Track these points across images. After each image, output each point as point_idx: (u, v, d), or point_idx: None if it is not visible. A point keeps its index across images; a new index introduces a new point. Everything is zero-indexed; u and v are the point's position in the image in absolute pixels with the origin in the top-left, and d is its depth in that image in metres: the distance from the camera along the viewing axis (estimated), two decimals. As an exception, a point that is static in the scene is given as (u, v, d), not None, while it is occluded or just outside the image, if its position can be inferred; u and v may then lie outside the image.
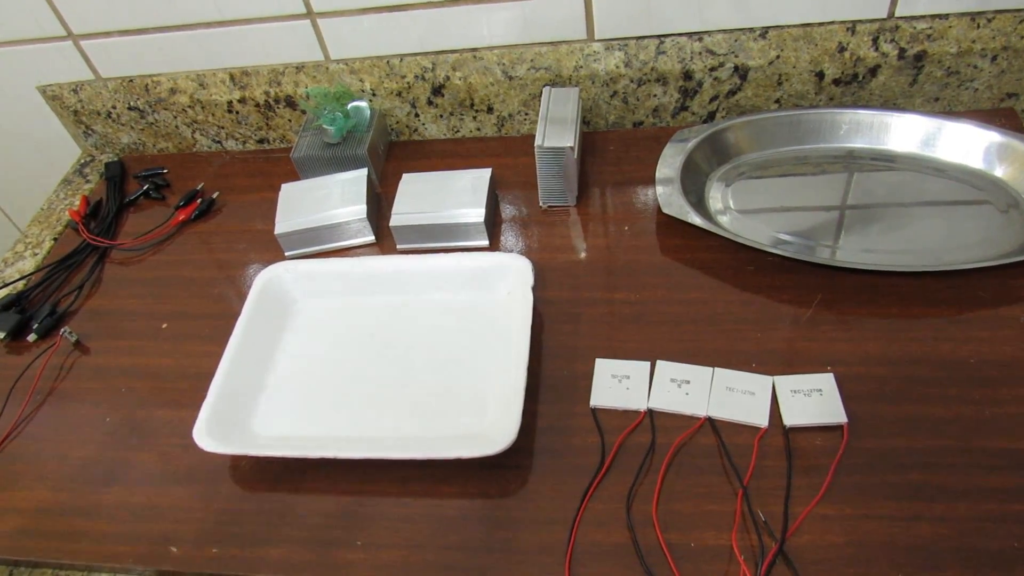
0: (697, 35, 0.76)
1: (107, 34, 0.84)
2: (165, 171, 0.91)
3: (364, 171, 0.79)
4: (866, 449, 0.54)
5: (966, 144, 0.72)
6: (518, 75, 0.81)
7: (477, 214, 0.72)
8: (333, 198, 0.77)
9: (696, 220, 0.68)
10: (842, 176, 0.73)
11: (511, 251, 0.73)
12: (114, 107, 0.91)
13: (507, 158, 0.84)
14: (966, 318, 0.61)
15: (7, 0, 0.81)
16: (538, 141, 0.72)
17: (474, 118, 0.86)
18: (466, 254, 0.69)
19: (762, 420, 0.56)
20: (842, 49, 0.75)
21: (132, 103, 0.90)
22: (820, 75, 0.77)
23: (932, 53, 0.74)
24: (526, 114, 0.85)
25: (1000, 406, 0.55)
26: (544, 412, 0.60)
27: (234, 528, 0.57)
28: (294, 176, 0.84)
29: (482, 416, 0.60)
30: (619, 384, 0.60)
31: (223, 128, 0.91)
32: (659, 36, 0.76)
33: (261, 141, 0.93)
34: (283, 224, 0.76)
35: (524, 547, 0.53)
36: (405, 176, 0.78)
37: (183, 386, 0.67)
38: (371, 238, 0.77)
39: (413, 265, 0.70)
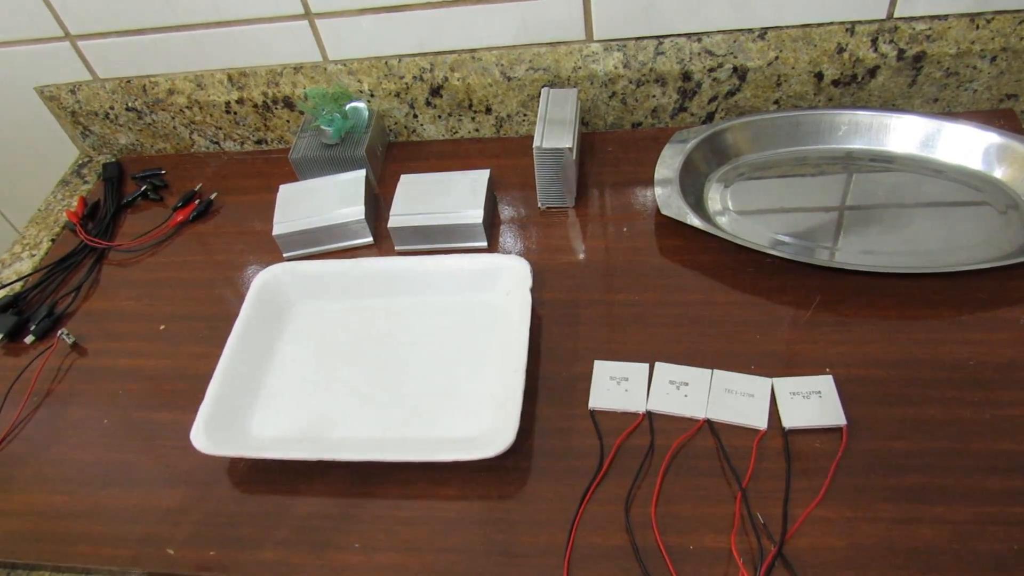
0: (696, 36, 0.76)
1: (105, 35, 0.84)
2: (163, 172, 0.90)
3: (362, 172, 0.79)
4: (865, 451, 0.54)
5: (965, 145, 0.72)
6: (516, 76, 0.81)
7: (475, 215, 0.72)
8: (331, 199, 0.77)
9: (695, 221, 0.67)
10: (841, 177, 0.73)
11: (509, 252, 0.73)
12: (112, 108, 0.90)
13: (505, 159, 0.84)
14: (965, 320, 0.61)
15: (4, 1, 0.81)
16: (536, 142, 0.72)
17: (472, 119, 0.86)
18: (464, 255, 0.69)
19: (761, 422, 0.56)
20: (841, 50, 0.75)
21: (130, 104, 0.90)
22: (819, 76, 0.77)
23: (931, 54, 0.74)
24: (525, 115, 0.85)
25: (999, 408, 0.55)
26: (543, 414, 0.60)
27: (231, 530, 0.57)
28: (292, 177, 0.84)
29: (480, 418, 0.59)
30: (618, 386, 0.60)
31: (221, 129, 0.91)
32: (658, 37, 0.76)
33: (259, 142, 0.93)
34: (281, 225, 0.76)
35: (523, 549, 0.52)
36: (403, 177, 0.78)
37: (180, 388, 0.67)
38: (369, 239, 0.77)
39: (411, 266, 0.70)
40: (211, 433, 0.59)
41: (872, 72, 0.76)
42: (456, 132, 0.88)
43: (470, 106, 0.84)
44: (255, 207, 0.84)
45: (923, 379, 0.57)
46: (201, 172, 0.91)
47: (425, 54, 0.81)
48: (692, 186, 0.73)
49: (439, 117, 0.86)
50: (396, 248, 0.76)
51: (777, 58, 0.76)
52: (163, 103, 0.89)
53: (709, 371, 0.60)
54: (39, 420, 0.67)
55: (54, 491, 0.61)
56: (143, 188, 0.88)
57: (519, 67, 0.80)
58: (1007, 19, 0.71)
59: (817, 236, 0.68)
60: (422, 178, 0.78)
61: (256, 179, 0.89)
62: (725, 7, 0.73)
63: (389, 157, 0.88)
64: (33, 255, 0.85)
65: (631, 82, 0.80)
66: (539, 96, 0.80)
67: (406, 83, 0.83)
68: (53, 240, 0.87)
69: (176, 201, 0.86)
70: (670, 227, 0.72)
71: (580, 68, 0.79)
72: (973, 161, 0.72)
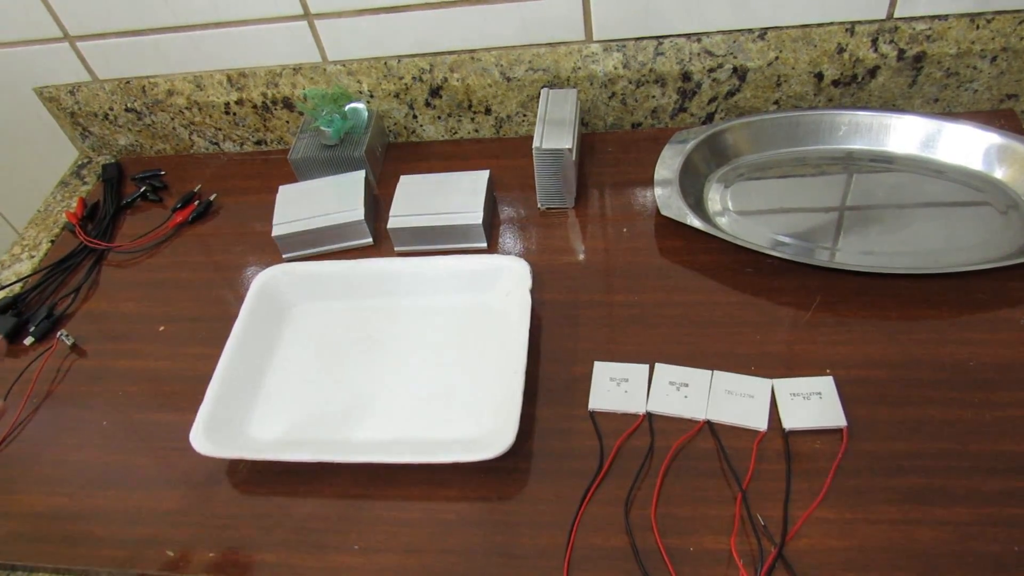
0: (696, 36, 0.76)
1: (104, 35, 0.84)
2: (162, 173, 0.90)
3: (362, 173, 0.79)
4: (866, 452, 0.54)
5: (965, 145, 0.72)
6: (516, 76, 0.81)
7: (475, 216, 0.72)
8: (331, 200, 0.77)
9: (695, 222, 0.67)
10: (841, 177, 0.73)
11: (509, 253, 0.73)
12: (111, 109, 0.90)
13: (505, 159, 0.84)
14: (965, 320, 0.61)
15: (4, 1, 0.81)
16: (536, 143, 0.72)
17: (472, 119, 0.86)
18: (464, 256, 0.69)
19: (761, 423, 0.56)
20: (841, 50, 0.75)
21: (129, 105, 0.90)
22: (819, 76, 0.77)
23: (931, 54, 0.74)
24: (524, 115, 0.85)
25: (1000, 409, 0.55)
26: (542, 415, 0.60)
27: (231, 532, 0.57)
28: (292, 178, 0.84)
29: (480, 419, 0.59)
30: (618, 387, 0.60)
31: (220, 130, 0.91)
32: (657, 37, 0.76)
33: (259, 143, 0.93)
34: (281, 226, 0.76)
35: (523, 551, 0.52)
36: (403, 178, 0.78)
37: (180, 389, 0.67)
38: (369, 240, 0.77)
39: (411, 267, 0.70)
40: (211, 434, 0.59)
41: (872, 72, 0.76)
42: (456, 133, 0.88)
43: (470, 107, 0.84)
44: (254, 208, 0.84)
45: (923, 380, 0.57)
46: (200, 173, 0.91)
47: (424, 55, 0.81)
48: (692, 187, 0.73)
49: (439, 118, 0.86)
50: (396, 249, 0.76)
51: (777, 58, 0.76)
52: (162, 104, 0.89)
53: (709, 372, 0.60)
54: (39, 421, 0.67)
55: (53, 492, 0.61)
56: (142, 189, 0.88)
57: (519, 67, 0.80)
58: (1007, 19, 0.71)
59: (817, 237, 0.68)
60: (422, 179, 0.77)
61: (255, 180, 0.88)
62: (725, 7, 0.73)
63: (389, 158, 0.88)
64: (32, 256, 0.85)
65: (631, 82, 0.80)
66: (539, 96, 0.80)
67: (405, 84, 0.83)
68: (52, 241, 0.86)
69: (175, 202, 0.86)
70: (670, 228, 0.72)
71: (580, 68, 0.79)
72: (973, 161, 0.71)
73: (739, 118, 0.77)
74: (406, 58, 0.81)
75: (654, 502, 0.53)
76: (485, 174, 0.76)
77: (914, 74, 0.76)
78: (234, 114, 0.89)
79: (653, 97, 0.81)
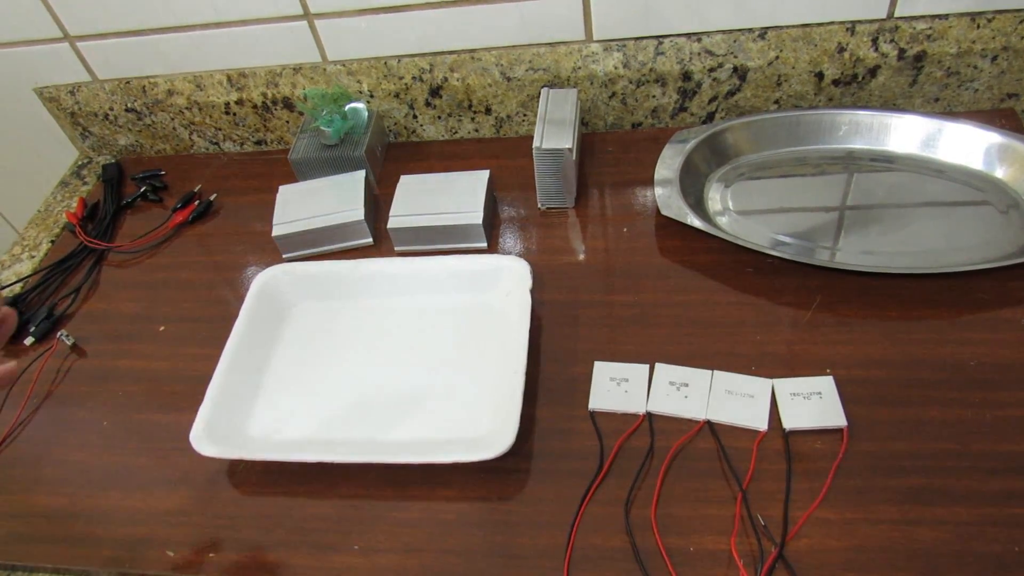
0: (696, 36, 0.75)
1: (104, 35, 0.84)
2: (163, 173, 0.90)
3: (362, 173, 0.79)
4: (866, 452, 0.54)
5: (966, 145, 0.72)
6: (516, 76, 0.81)
7: (475, 216, 0.72)
8: (331, 200, 0.77)
9: (695, 222, 0.67)
10: (841, 177, 0.73)
11: (509, 253, 0.73)
12: (111, 109, 0.90)
13: (505, 159, 0.84)
14: (966, 320, 0.61)
15: (4, 1, 0.81)
16: (536, 142, 0.72)
17: (472, 119, 0.86)
18: (464, 256, 0.69)
19: (761, 423, 0.56)
20: (841, 50, 0.75)
21: (129, 105, 0.90)
22: (819, 76, 0.77)
23: (932, 53, 0.74)
24: (524, 115, 0.85)
25: (1000, 409, 0.55)
26: (542, 415, 0.60)
27: (231, 532, 0.57)
28: (292, 178, 0.84)
29: (480, 419, 0.59)
30: (618, 387, 0.60)
31: (220, 130, 0.91)
32: (658, 37, 0.76)
33: (259, 143, 0.93)
34: (281, 226, 0.76)
35: (523, 551, 0.52)
36: (403, 178, 0.78)
37: (180, 389, 0.67)
38: (369, 240, 0.77)
39: (411, 267, 0.70)
40: (211, 435, 0.59)
41: (873, 72, 0.76)
42: (456, 132, 0.88)
43: (470, 106, 0.84)
44: (255, 208, 0.84)
45: (924, 380, 0.57)
46: (200, 173, 0.91)
47: (424, 54, 0.81)
48: (692, 186, 0.73)
49: (439, 117, 0.86)
50: (396, 249, 0.76)
51: (777, 58, 0.76)
52: (162, 104, 0.89)
53: (709, 372, 0.60)
54: (38, 422, 0.67)
55: (54, 492, 0.61)
56: (143, 189, 0.88)
57: (519, 67, 0.80)
58: (1008, 18, 0.71)
59: (817, 236, 0.68)
60: (422, 179, 0.77)
61: (255, 180, 0.88)
62: (725, 7, 0.73)
63: (389, 158, 0.88)
64: (33, 256, 0.85)
65: (631, 82, 0.80)
66: (539, 96, 0.80)
67: (405, 83, 0.83)
68: (53, 241, 0.86)
69: (176, 202, 0.86)
70: (670, 227, 0.72)
71: (580, 68, 0.79)
72: (974, 161, 0.71)
73: (739, 118, 0.77)
74: (406, 58, 0.81)
75: (654, 502, 0.53)
76: (485, 174, 0.76)
77: (914, 73, 0.76)
78: (234, 114, 0.89)
79: (653, 97, 0.81)
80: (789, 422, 0.56)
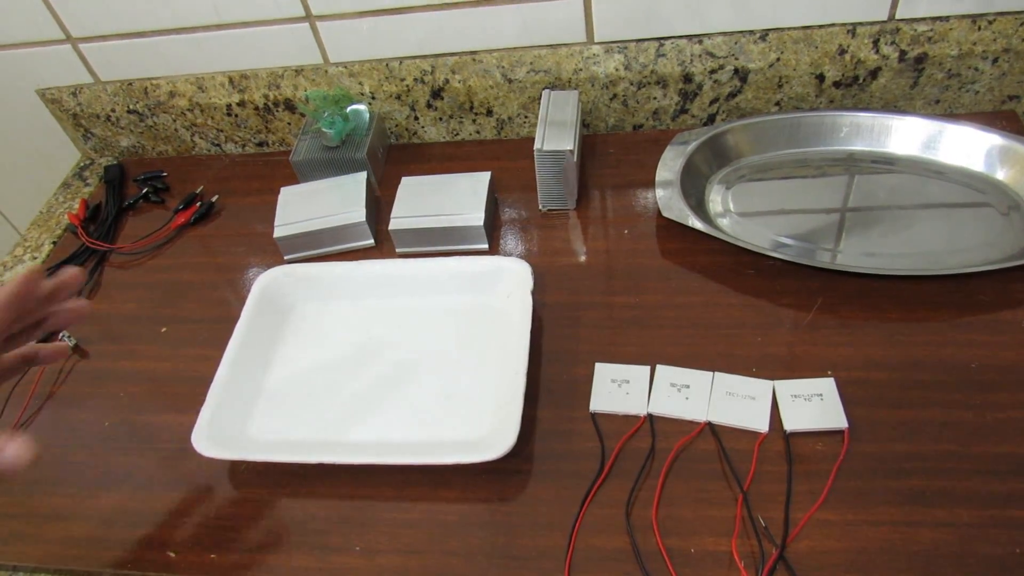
0: (697, 37, 0.76)
1: (106, 37, 0.84)
2: (164, 174, 0.91)
3: (363, 174, 0.79)
4: (867, 454, 0.54)
5: (967, 147, 0.72)
6: (517, 78, 0.81)
7: (477, 217, 0.72)
8: (332, 201, 0.77)
9: (696, 223, 0.67)
10: (843, 179, 0.73)
11: (510, 255, 0.73)
12: (113, 110, 0.91)
13: (506, 161, 0.84)
14: (967, 322, 0.61)
15: (6, 3, 0.81)
16: (537, 144, 0.72)
17: (473, 121, 0.86)
18: (465, 258, 0.69)
19: (762, 425, 0.56)
20: (842, 51, 0.75)
21: (131, 106, 0.90)
22: (820, 77, 0.77)
23: (933, 55, 0.74)
24: (525, 117, 0.85)
25: (1001, 411, 0.55)
26: (543, 417, 0.60)
27: (232, 533, 0.57)
28: (293, 179, 0.84)
29: (481, 420, 0.59)
30: (619, 389, 0.60)
31: (222, 131, 0.91)
32: (659, 39, 0.76)
33: (260, 144, 0.93)
34: (282, 228, 0.76)
35: (523, 552, 0.52)
36: (404, 179, 0.78)
37: (182, 390, 0.67)
38: (370, 242, 0.77)
39: (412, 269, 0.70)
40: (212, 435, 0.59)
41: (873, 74, 0.76)
42: (457, 134, 0.88)
43: (471, 108, 0.84)
44: (256, 209, 0.84)
45: (925, 382, 0.57)
46: (202, 174, 0.91)
47: (426, 56, 0.81)
48: (693, 188, 0.73)
49: (440, 119, 0.86)
50: (397, 250, 0.76)
51: (778, 60, 0.76)
52: (164, 105, 0.89)
53: (710, 374, 0.60)
54: (40, 422, 0.67)
55: (55, 493, 0.62)
56: (144, 191, 0.89)
57: (520, 69, 0.80)
58: (1009, 20, 0.71)
59: (818, 238, 0.68)
60: (423, 180, 0.78)
61: (257, 181, 0.89)
62: (726, 9, 0.73)
63: (390, 159, 0.88)
64: (35, 257, 0.85)
65: (632, 84, 0.80)
66: (540, 98, 0.80)
67: (407, 85, 0.83)
68: (55, 242, 0.87)
69: (177, 203, 0.86)
70: (671, 229, 0.72)
71: (581, 70, 0.79)
72: (975, 163, 0.71)
73: (740, 119, 0.77)
74: (407, 60, 0.82)
75: (655, 504, 0.53)
76: (486, 176, 0.76)
77: (915, 75, 0.76)
78: (236, 116, 0.89)
79: (654, 99, 0.81)
80: (790, 424, 0.56)
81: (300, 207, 0.77)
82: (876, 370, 0.58)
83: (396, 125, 0.88)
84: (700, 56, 0.77)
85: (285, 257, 0.77)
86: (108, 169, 0.93)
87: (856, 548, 0.49)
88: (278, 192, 0.79)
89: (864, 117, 0.75)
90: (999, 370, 0.57)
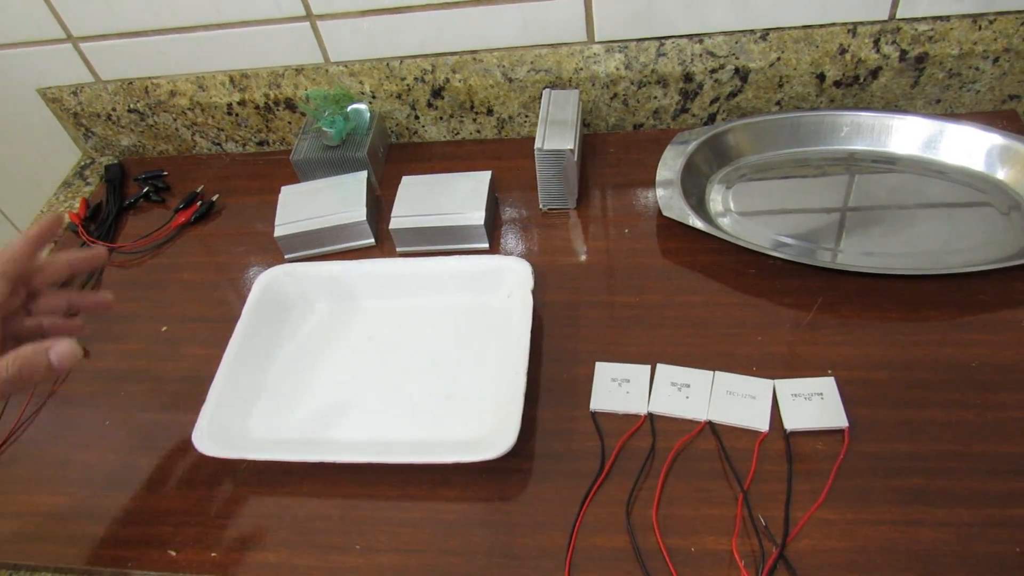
0: (697, 37, 0.76)
1: (106, 36, 0.84)
2: (165, 174, 0.91)
3: (364, 174, 0.79)
4: (867, 453, 0.54)
5: (968, 146, 0.72)
6: (518, 77, 0.81)
7: (477, 217, 0.72)
8: (333, 201, 0.77)
9: (696, 223, 0.67)
10: (843, 178, 0.73)
11: (511, 254, 0.73)
12: (114, 109, 0.91)
13: (507, 160, 0.84)
14: (967, 321, 0.61)
15: (7, 2, 0.81)
16: (538, 144, 0.72)
17: (474, 120, 0.86)
18: (466, 257, 0.69)
19: (763, 424, 0.56)
20: (843, 51, 0.75)
21: (132, 105, 0.90)
22: (821, 77, 0.77)
23: (933, 55, 0.74)
24: (526, 116, 0.85)
25: (1002, 410, 0.55)
26: (544, 416, 0.60)
27: (233, 532, 0.57)
28: (294, 179, 0.84)
29: (481, 420, 0.59)
30: (619, 388, 0.60)
31: (223, 130, 0.91)
32: (659, 38, 0.76)
33: (261, 143, 0.93)
34: (283, 227, 0.76)
35: (524, 551, 0.52)
36: (405, 179, 0.78)
37: (182, 389, 0.67)
38: (371, 241, 0.77)
39: (413, 268, 0.70)
40: (213, 434, 0.59)
41: (874, 73, 0.76)
42: (458, 133, 0.88)
43: (471, 107, 0.84)
44: (257, 209, 0.84)
45: (925, 381, 0.57)
46: (203, 174, 0.91)
47: (426, 55, 0.81)
48: (694, 187, 0.73)
49: (440, 119, 0.86)
50: (397, 249, 0.76)
51: (779, 59, 0.76)
52: (165, 105, 0.89)
53: (711, 373, 0.60)
54: (41, 422, 0.67)
55: (56, 492, 0.62)
56: (145, 190, 0.89)
57: (520, 68, 0.80)
58: (1009, 20, 0.71)
59: (819, 237, 0.68)
60: (423, 179, 0.78)
61: (258, 180, 0.89)
62: (727, 8, 0.73)
63: (390, 159, 0.88)
64: (35, 256, 0.85)
65: (632, 83, 0.80)
66: (540, 97, 0.80)
67: (407, 84, 0.83)
68: (55, 241, 0.87)
69: (178, 203, 0.86)
70: (672, 229, 0.72)
71: (582, 69, 0.79)
72: (975, 162, 0.71)
73: (741, 119, 0.77)
74: (408, 59, 0.82)
75: (655, 503, 0.53)
76: (487, 175, 0.76)
77: (916, 75, 0.76)
78: (236, 115, 0.89)
79: (655, 98, 0.81)
80: (790, 423, 0.56)
81: (301, 206, 0.77)
82: (876, 369, 0.58)
83: (397, 124, 0.88)
84: (701, 55, 0.77)
85: (286, 256, 0.77)
86: (109, 168, 0.93)
87: (856, 547, 0.49)
88: (278, 191, 0.80)
89: (865, 117, 0.75)
90: (999, 370, 0.57)
